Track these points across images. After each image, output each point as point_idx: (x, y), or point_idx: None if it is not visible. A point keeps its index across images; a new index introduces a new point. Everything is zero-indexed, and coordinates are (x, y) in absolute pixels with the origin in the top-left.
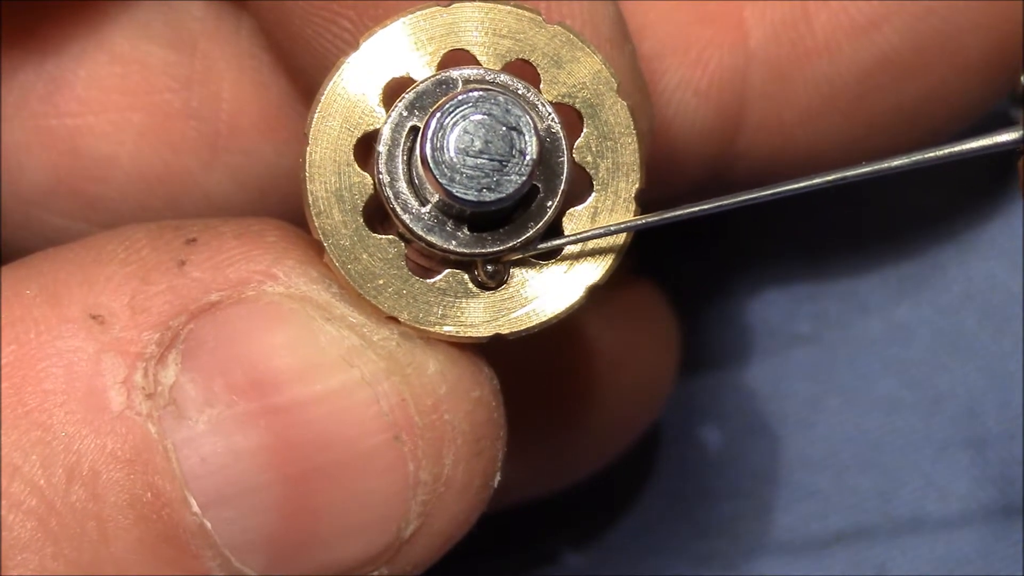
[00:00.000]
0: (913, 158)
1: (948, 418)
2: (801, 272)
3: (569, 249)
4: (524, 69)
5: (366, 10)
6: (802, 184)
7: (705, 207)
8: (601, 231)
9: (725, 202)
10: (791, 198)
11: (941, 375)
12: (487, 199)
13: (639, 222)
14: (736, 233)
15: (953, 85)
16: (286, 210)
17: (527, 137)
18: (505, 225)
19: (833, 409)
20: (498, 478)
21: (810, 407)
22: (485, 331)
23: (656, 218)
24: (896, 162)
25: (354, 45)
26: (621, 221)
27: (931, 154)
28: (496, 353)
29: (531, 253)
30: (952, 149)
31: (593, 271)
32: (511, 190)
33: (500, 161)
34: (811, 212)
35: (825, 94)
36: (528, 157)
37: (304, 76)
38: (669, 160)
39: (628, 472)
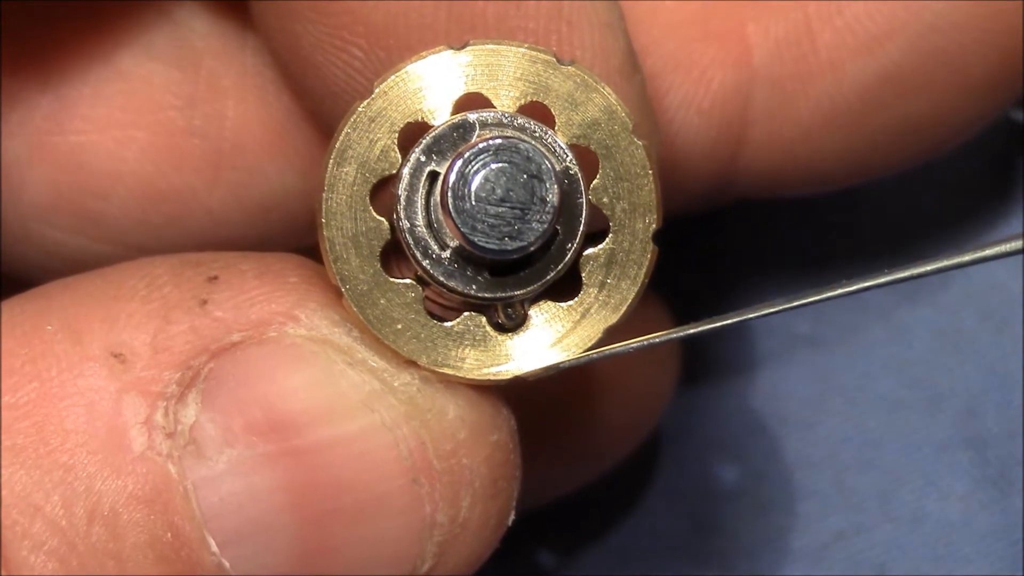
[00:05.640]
0: (916, 271)
1: (948, 418)
2: (801, 274)
3: (587, 291)
4: (539, 110)
5: (377, 40)
6: (813, 299)
7: (732, 320)
8: (617, 349)
9: (752, 315)
10: (790, 199)
11: (941, 375)
12: (508, 247)
13: (644, 341)
14: (736, 234)
15: (954, 101)
16: (288, 228)
17: (548, 184)
18: (525, 268)
19: (833, 409)
20: (512, 516)
21: (810, 407)
22: (504, 374)
23: (660, 336)
24: (898, 275)
25: (364, 73)
26: (646, 336)
27: (931, 267)
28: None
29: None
30: (951, 261)
31: (611, 312)
32: (532, 238)
33: (521, 209)
34: (811, 214)
35: (827, 111)
36: (549, 204)
37: (310, 98)
38: (671, 177)
39: (628, 472)
